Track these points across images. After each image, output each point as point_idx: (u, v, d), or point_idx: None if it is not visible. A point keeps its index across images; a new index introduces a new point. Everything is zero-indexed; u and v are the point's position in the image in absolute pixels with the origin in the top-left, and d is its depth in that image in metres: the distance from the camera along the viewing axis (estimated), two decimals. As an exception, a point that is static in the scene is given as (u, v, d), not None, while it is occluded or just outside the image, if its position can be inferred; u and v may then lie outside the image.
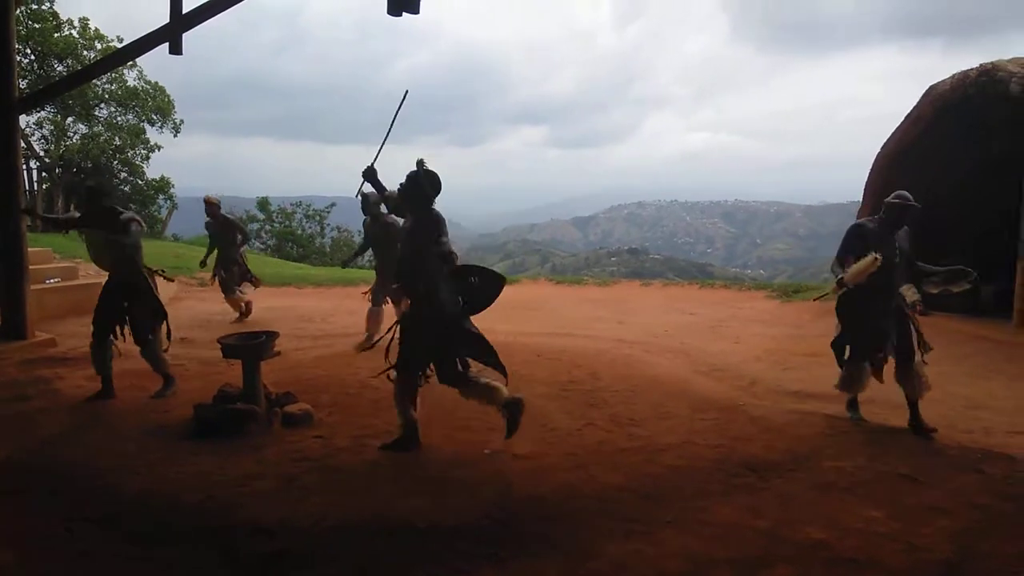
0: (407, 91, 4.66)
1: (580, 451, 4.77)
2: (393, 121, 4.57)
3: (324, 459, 4.56)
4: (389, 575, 3.25)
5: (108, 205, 5.81)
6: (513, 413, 4.65)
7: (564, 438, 5.03)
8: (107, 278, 5.94)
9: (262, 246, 27.69)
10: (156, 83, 22.51)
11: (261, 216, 28.90)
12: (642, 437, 5.05)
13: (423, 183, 4.45)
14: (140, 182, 22.78)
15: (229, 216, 9.29)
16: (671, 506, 3.94)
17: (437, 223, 4.46)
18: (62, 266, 10.57)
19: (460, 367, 4.67)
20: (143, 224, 5.68)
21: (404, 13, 6.15)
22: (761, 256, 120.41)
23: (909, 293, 9.40)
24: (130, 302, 5.86)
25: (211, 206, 9.28)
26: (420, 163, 4.45)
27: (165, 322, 6.11)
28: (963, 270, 5.25)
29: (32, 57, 19.42)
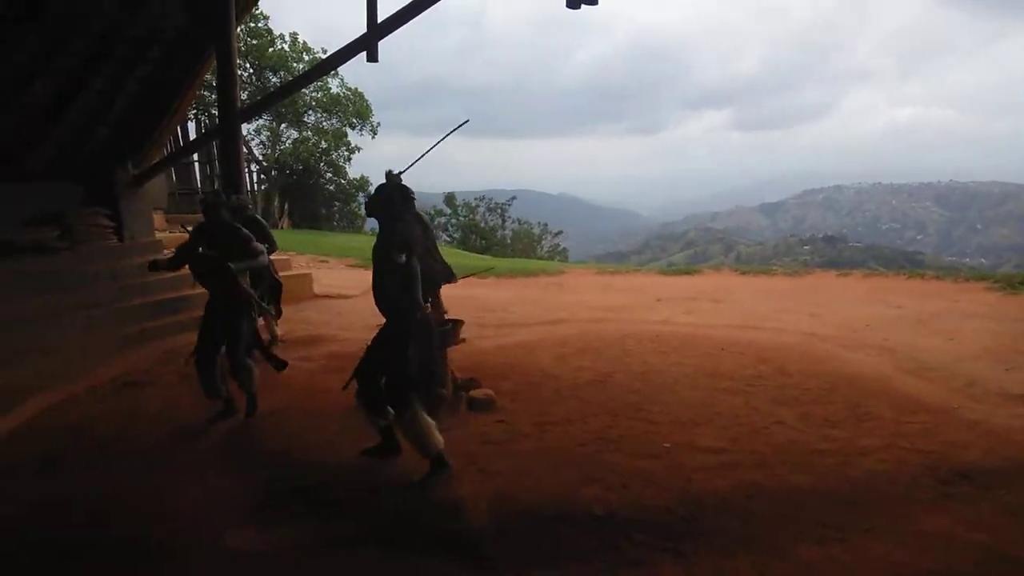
0: (467, 120, 4.55)
1: (767, 449, 4.54)
2: (439, 142, 4.42)
3: (506, 443, 4.71)
4: (569, 560, 3.30)
5: (227, 220, 5.20)
6: (433, 470, 4.08)
7: (749, 435, 4.81)
8: (209, 300, 5.34)
9: (448, 239, 29.08)
10: (355, 89, 24.34)
11: (448, 210, 30.34)
12: (838, 439, 4.70)
13: (394, 195, 4.11)
14: (343, 181, 24.75)
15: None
16: (870, 512, 3.65)
17: (401, 235, 4.07)
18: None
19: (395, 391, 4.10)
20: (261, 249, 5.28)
21: (583, 5, 6.15)
22: (982, 243, 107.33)
23: None
24: (230, 325, 5.15)
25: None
26: (389, 174, 4.17)
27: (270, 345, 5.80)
28: None
29: (251, 70, 21.75)
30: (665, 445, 4.62)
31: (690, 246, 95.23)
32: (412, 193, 4.14)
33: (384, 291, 4.16)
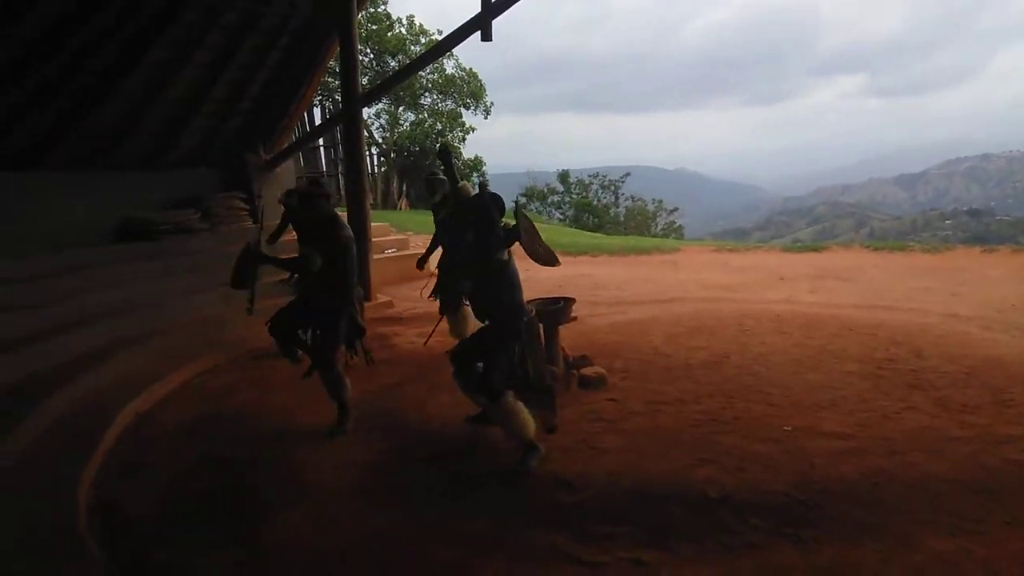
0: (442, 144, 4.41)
1: (897, 435, 4.29)
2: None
3: (618, 421, 4.69)
4: (681, 540, 3.26)
5: (327, 212, 4.85)
6: (525, 454, 4.07)
7: (879, 420, 4.56)
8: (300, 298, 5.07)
9: (561, 216, 29.05)
10: (470, 69, 24.64)
11: (561, 188, 30.28)
12: (976, 426, 4.37)
13: (489, 204, 4.07)
14: (458, 162, 25.20)
15: None
16: (1011, 504, 3.39)
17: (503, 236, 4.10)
18: (397, 238, 12.16)
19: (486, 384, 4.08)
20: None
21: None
22: None
23: None
24: (326, 321, 4.82)
25: None
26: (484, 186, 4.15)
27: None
28: None
29: (371, 55, 22.47)
30: (785, 428, 4.45)
31: (817, 221, 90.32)
32: (500, 199, 4.17)
33: (487, 291, 4.17)
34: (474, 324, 4.67)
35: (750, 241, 22.57)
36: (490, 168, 26.59)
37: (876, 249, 12.62)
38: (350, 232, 4.85)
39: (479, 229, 4.06)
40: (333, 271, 4.68)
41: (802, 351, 6.13)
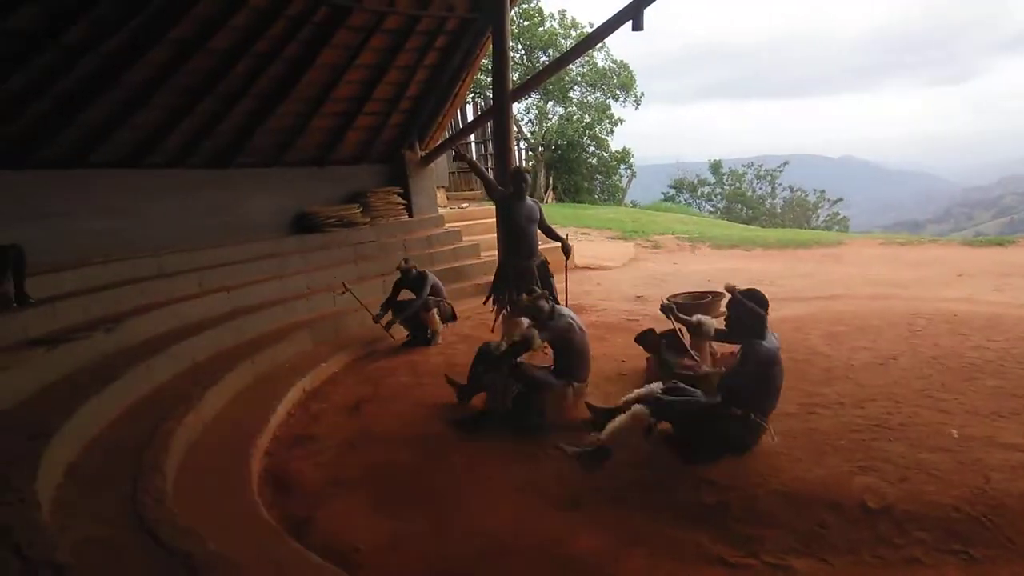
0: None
1: (1095, 452, 3.81)
2: None
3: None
4: (834, 550, 3.12)
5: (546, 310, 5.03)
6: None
7: (1072, 433, 4.08)
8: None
9: (712, 208, 28.13)
10: (621, 60, 24.37)
11: (712, 179, 29.32)
12: None
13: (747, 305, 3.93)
14: (605, 155, 25.06)
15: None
16: None
17: None
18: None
19: None
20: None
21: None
22: None
23: None
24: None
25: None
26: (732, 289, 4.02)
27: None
28: None
29: (522, 51, 22.81)
30: (952, 434, 4.09)
31: (1004, 213, 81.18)
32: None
33: None
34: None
35: (925, 234, 20.73)
36: (639, 160, 26.24)
37: (1077, 243, 11.22)
38: (568, 322, 4.99)
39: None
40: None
41: (981, 354, 5.58)
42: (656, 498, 3.70)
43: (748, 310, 3.86)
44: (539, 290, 5.20)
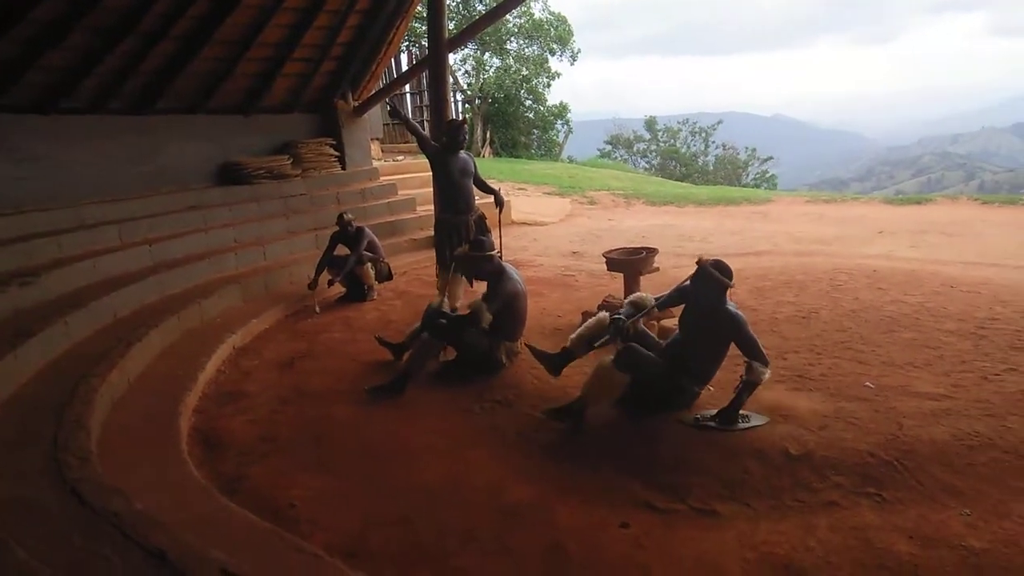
0: None
1: (996, 399, 4.07)
2: None
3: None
4: (757, 495, 3.26)
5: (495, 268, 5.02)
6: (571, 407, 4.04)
7: (977, 382, 4.33)
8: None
9: (647, 165, 28.43)
10: (558, 13, 24.08)
11: (647, 136, 29.57)
12: (1087, 392, 4.11)
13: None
14: (542, 109, 24.89)
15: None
16: (1122, 478, 3.19)
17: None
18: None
19: None
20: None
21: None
22: None
23: None
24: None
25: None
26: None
27: None
28: None
29: (458, 0, 22.28)
30: (867, 385, 4.31)
31: (923, 172, 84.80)
32: None
33: None
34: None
35: (848, 192, 21.48)
36: (575, 115, 26.15)
37: (985, 203, 11.82)
38: (515, 286, 4.97)
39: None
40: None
41: (898, 308, 5.86)
42: (589, 449, 3.78)
43: (717, 281, 3.92)
44: (486, 241, 5.11)
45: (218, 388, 4.91)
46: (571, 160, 24.71)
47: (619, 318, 4.09)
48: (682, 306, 4.22)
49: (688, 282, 4.06)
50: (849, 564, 2.76)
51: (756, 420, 3.91)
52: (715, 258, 4.02)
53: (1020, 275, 6.86)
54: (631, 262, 5.65)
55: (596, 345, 4.24)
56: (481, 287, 5.25)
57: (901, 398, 4.12)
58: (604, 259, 5.87)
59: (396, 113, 6.54)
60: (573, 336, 4.34)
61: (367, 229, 6.97)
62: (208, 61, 8.17)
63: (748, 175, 29.07)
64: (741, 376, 3.87)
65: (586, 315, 5.57)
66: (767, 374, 3.83)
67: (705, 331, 3.99)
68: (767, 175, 29.81)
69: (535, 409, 4.24)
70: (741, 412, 3.90)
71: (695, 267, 3.96)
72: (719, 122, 30.85)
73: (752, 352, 3.83)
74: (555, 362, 4.35)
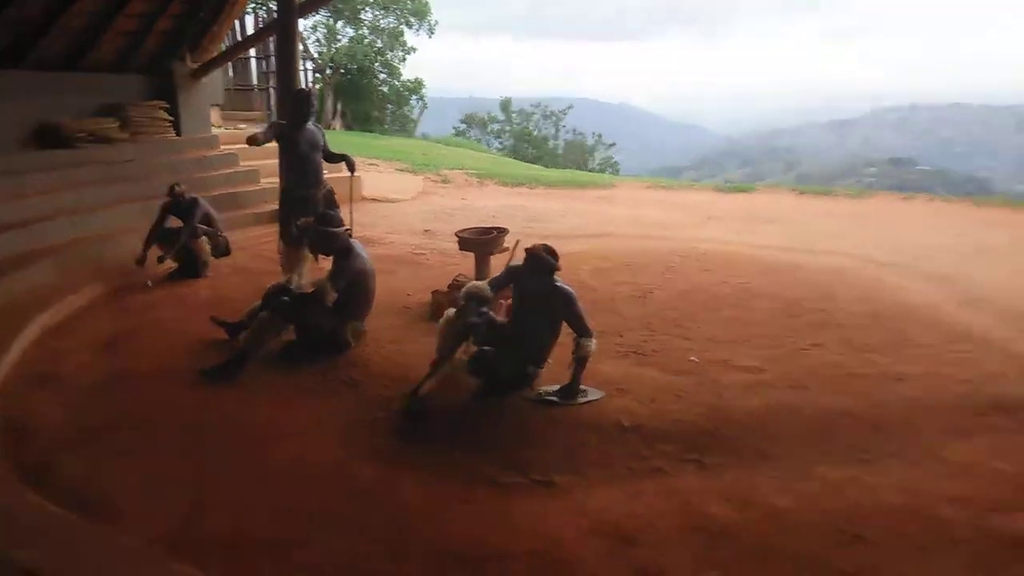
0: None
1: (803, 371, 4.54)
2: None
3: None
4: (592, 465, 3.43)
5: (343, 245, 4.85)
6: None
7: (787, 356, 4.81)
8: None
9: (500, 146, 28.77)
10: (415, -17, 23.61)
11: (502, 117, 29.90)
12: (877, 364, 4.66)
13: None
14: (397, 83, 24.42)
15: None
16: (899, 438, 3.67)
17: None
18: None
19: None
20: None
21: None
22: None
23: None
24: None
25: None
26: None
27: None
28: None
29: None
30: (692, 359, 4.65)
31: (749, 163, 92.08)
32: None
33: None
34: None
35: (684, 180, 22.90)
36: (431, 91, 25.93)
37: (802, 193, 13.00)
38: (363, 264, 4.83)
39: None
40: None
41: (723, 289, 6.35)
42: (437, 429, 3.80)
43: (548, 264, 4.02)
44: (334, 216, 4.93)
45: (25, 370, 4.44)
46: (425, 137, 24.50)
47: (477, 325, 4.08)
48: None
49: (515, 264, 4.19)
50: (671, 527, 2.97)
51: (594, 394, 4.11)
52: (543, 243, 4.14)
53: (828, 260, 7.62)
54: (482, 242, 5.71)
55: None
56: (330, 264, 5.10)
57: (723, 371, 4.50)
58: (456, 238, 5.89)
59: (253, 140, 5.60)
60: (437, 352, 4.19)
61: (202, 200, 6.54)
62: (23, 8, 7.25)
63: (595, 160, 30.20)
64: (572, 353, 4.04)
65: (436, 294, 5.58)
66: (594, 344, 4.04)
67: (540, 312, 4.12)
68: (611, 161, 31.13)
69: (387, 389, 4.21)
70: (580, 387, 4.08)
71: (525, 252, 4.06)
72: (570, 107, 31.77)
73: (581, 326, 4.03)
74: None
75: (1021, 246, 8.13)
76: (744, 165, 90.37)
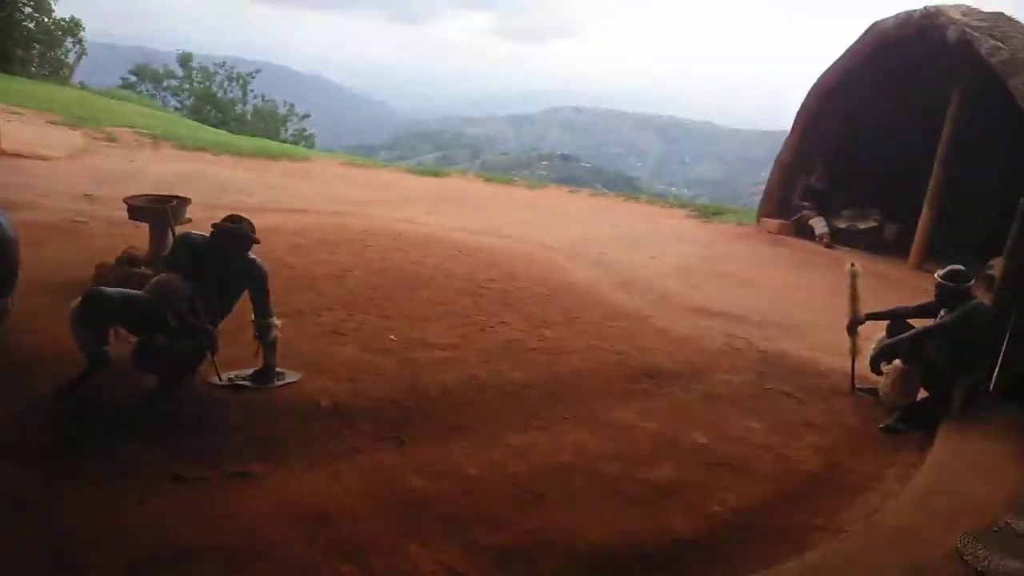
0: None
1: (491, 347, 4.90)
2: None
3: (230, 332, 4.49)
4: (290, 450, 3.33)
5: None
6: None
7: (477, 333, 5.14)
8: None
9: (178, 105, 26.07)
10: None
11: (180, 73, 27.09)
12: (551, 339, 5.21)
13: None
14: (47, 21, 20.67)
15: None
16: (571, 404, 4.16)
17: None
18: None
19: None
20: None
21: None
22: (687, 175, 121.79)
23: (819, 226, 9.79)
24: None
25: None
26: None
27: None
28: None
29: None
30: (391, 338, 4.76)
31: (440, 148, 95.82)
32: None
33: None
34: None
35: (379, 159, 23.00)
36: (92, 36, 22.49)
37: (488, 180, 13.93)
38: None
39: None
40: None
41: (418, 268, 6.56)
42: (108, 424, 3.36)
43: (248, 238, 3.80)
44: None
45: None
46: (84, 87, 21.18)
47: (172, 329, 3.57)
48: None
49: (196, 234, 3.84)
50: (371, 504, 3.01)
51: (291, 376, 3.99)
52: (231, 214, 3.92)
53: (510, 244, 8.29)
54: (159, 211, 5.13)
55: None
56: None
57: (419, 349, 4.67)
58: (125, 206, 5.23)
59: None
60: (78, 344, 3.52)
61: None
62: None
63: (287, 131, 28.89)
64: (256, 337, 3.87)
65: (101, 268, 4.92)
66: (279, 325, 3.94)
67: (223, 288, 3.84)
68: (305, 133, 30.04)
69: (38, 380, 3.60)
70: (277, 369, 3.92)
71: (213, 227, 3.78)
72: (258, 71, 29.87)
73: (267, 306, 3.89)
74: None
75: (661, 236, 9.66)
76: (436, 149, 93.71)
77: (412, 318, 5.23)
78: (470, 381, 4.30)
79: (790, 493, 3.46)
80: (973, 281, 4.28)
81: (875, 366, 4.46)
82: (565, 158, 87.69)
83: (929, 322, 4.39)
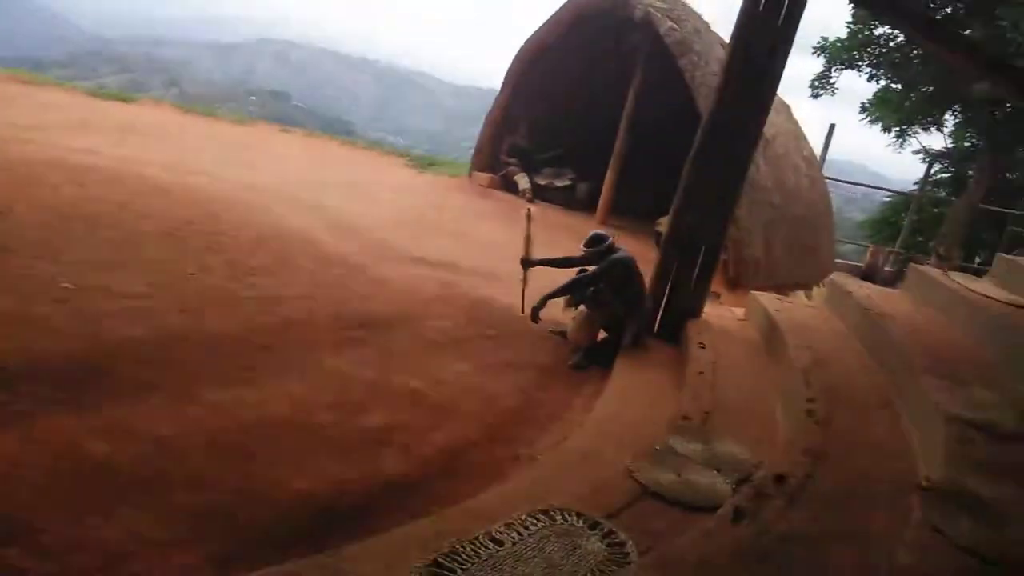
0: None
1: (190, 296, 4.49)
2: None
3: None
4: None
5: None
6: None
7: (174, 281, 4.68)
8: None
9: None
10: None
11: None
12: (261, 287, 4.94)
13: None
14: None
15: None
16: (282, 355, 3.99)
17: None
18: None
19: None
20: None
21: None
22: (402, 125, 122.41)
23: (522, 182, 10.53)
24: None
25: None
26: None
27: None
28: None
29: None
30: (65, 286, 4.13)
31: (128, 71, 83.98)
32: None
33: None
34: None
35: (50, 76, 19.43)
36: None
37: (187, 111, 12.62)
38: None
39: None
40: None
41: (99, 207, 5.74)
42: None
43: None
44: None
45: None
46: None
47: None
48: None
49: None
50: (43, 475, 2.62)
51: None
52: None
53: (212, 183, 7.63)
54: None
55: None
56: None
57: (101, 299, 4.11)
58: None
59: None
60: None
61: None
62: None
63: None
64: None
65: None
66: None
67: None
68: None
69: None
70: None
71: None
72: None
73: None
74: None
75: (380, 185, 9.63)
76: (121, 72, 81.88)
77: (92, 264, 4.57)
78: (166, 334, 3.90)
79: (494, 429, 3.73)
80: (610, 240, 5.04)
81: (535, 316, 5.04)
82: (276, 95, 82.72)
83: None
